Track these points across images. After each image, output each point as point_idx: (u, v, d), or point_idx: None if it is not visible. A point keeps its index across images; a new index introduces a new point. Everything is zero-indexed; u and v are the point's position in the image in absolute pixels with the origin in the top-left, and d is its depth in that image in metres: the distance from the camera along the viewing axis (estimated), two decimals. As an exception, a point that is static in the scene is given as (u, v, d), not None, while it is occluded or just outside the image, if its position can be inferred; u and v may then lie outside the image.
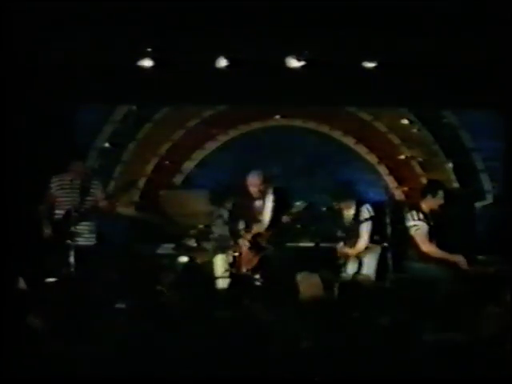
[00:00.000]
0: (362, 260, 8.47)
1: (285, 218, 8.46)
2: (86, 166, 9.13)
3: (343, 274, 8.35)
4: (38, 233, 8.48)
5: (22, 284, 7.47)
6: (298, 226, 8.99)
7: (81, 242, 8.38)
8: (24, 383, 4.42)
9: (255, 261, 8.41)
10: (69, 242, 8.22)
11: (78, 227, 8.37)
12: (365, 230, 8.44)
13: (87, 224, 8.53)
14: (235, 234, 8.52)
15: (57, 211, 8.55)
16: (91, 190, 8.61)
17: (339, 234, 8.57)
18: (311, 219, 9.02)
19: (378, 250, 8.42)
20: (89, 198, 8.56)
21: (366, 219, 8.39)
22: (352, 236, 8.48)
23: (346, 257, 8.45)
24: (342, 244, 8.52)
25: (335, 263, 8.40)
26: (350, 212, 8.54)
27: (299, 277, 7.11)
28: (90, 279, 7.53)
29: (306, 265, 7.81)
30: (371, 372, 4.41)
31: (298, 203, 8.46)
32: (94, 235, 8.58)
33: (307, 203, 8.48)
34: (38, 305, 5.55)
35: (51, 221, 8.50)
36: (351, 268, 8.46)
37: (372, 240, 8.49)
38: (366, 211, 8.45)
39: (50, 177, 8.66)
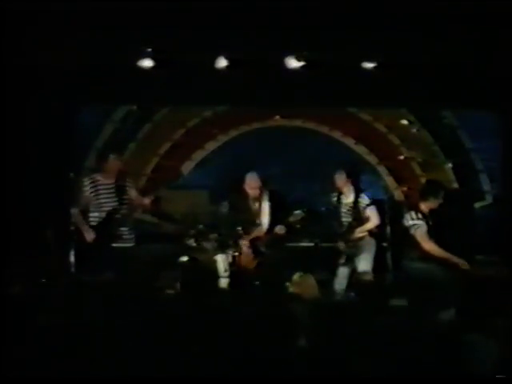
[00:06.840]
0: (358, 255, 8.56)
1: (278, 229, 8.52)
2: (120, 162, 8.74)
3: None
4: (39, 235, 8.36)
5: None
6: (298, 226, 9.00)
7: (121, 243, 8.33)
8: (24, 383, 4.43)
9: (254, 263, 8.47)
10: (113, 245, 8.20)
11: (120, 229, 8.33)
12: (369, 212, 8.60)
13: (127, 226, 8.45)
14: (234, 235, 8.56)
15: (93, 214, 8.40)
16: (127, 189, 8.47)
17: (348, 222, 8.68)
18: (310, 227, 9.03)
19: (373, 242, 8.52)
20: (126, 198, 8.43)
21: (368, 204, 8.53)
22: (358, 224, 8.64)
23: (360, 238, 8.58)
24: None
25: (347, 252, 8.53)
26: (348, 200, 8.70)
27: (294, 278, 7.13)
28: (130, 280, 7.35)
29: (305, 265, 7.81)
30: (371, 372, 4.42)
31: (296, 212, 8.53)
32: (133, 236, 8.50)
33: (305, 212, 8.54)
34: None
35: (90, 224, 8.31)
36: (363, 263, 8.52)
37: (369, 232, 8.61)
38: (366, 198, 8.65)
39: (78, 178, 8.58)
